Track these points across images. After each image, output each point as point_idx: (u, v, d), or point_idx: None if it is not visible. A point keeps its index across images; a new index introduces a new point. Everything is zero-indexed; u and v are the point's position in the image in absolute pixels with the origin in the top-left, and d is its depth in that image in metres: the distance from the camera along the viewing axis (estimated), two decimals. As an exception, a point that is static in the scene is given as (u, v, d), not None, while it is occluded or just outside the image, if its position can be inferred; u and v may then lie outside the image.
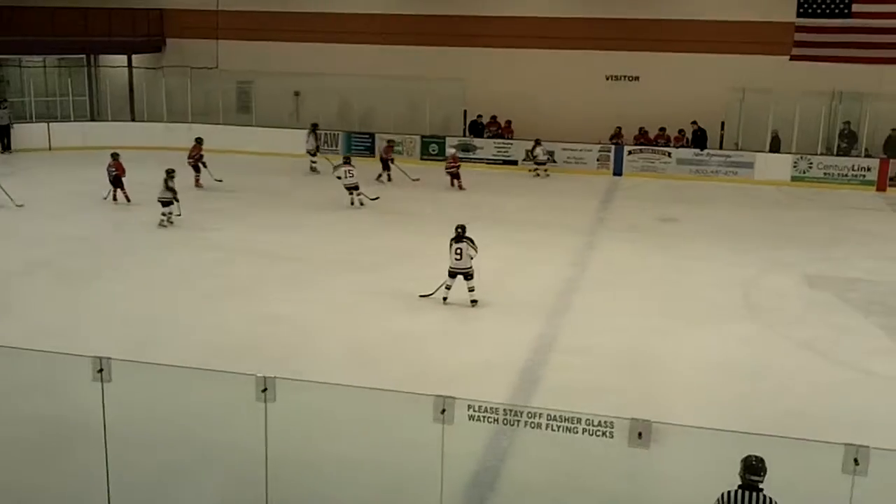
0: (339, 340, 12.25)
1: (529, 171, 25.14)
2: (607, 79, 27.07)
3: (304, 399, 7.71)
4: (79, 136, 26.81)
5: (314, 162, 24.80)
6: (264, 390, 7.03)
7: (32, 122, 27.57)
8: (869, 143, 24.46)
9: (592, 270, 16.20)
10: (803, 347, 12.38)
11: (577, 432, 6.68)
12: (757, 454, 6.32)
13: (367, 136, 27.00)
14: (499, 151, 26.15)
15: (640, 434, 6.44)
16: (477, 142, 26.30)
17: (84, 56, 29.83)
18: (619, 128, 25.88)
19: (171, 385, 8.03)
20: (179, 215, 18.45)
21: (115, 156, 20.58)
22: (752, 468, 6.28)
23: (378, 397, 7.47)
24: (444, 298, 13.70)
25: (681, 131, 25.42)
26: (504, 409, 7.05)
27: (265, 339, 12.14)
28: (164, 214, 18.23)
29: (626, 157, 25.28)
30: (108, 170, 20.43)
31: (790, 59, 22.85)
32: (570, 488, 7.99)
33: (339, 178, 20.68)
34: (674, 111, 25.26)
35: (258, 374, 7.07)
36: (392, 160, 23.71)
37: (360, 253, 16.68)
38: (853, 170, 23.80)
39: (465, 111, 27.18)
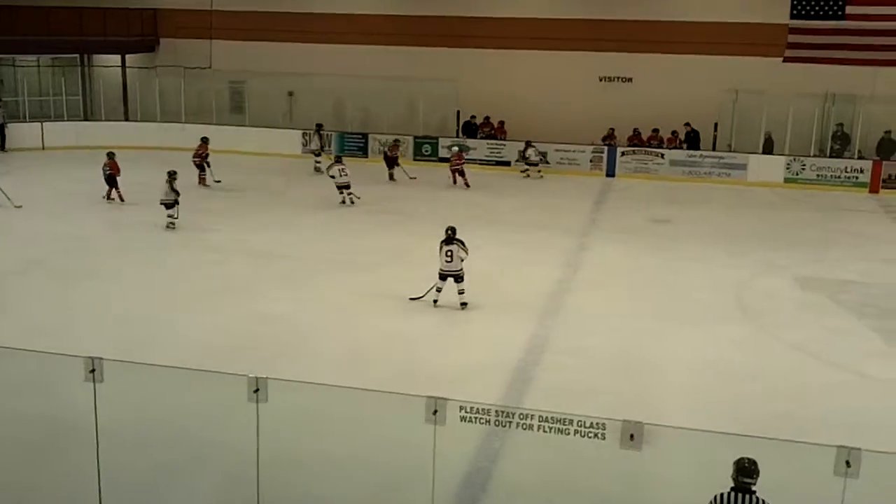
0: (333, 341, 12.24)
1: (521, 172, 25.16)
2: (600, 80, 27.11)
3: (297, 399, 7.69)
4: (72, 136, 26.76)
5: (318, 162, 24.76)
6: (256, 391, 7.02)
7: (26, 121, 27.53)
8: (862, 145, 24.50)
9: (585, 271, 16.21)
10: (796, 349, 12.37)
11: (569, 434, 6.66)
12: (749, 456, 6.32)
13: (360, 136, 27.00)
14: (492, 152, 26.15)
15: (632, 436, 6.43)
16: (470, 142, 26.28)
17: (78, 55, 29.80)
18: (613, 129, 25.88)
19: (162, 385, 8.00)
20: (177, 217, 18.41)
21: (110, 155, 20.58)
22: (745, 470, 6.28)
23: (370, 398, 7.45)
24: (435, 301, 13.64)
25: (674, 133, 25.48)
26: (496, 411, 7.04)
27: (259, 339, 12.12)
28: (169, 216, 18.11)
29: (619, 159, 25.33)
30: (102, 169, 20.42)
31: (783, 61, 22.94)
32: (562, 490, 7.97)
33: (332, 177, 20.83)
34: (667, 112, 25.30)
35: (250, 375, 7.07)
36: (397, 158, 23.85)
37: (355, 253, 16.69)
38: (846, 172, 23.84)
39: (459, 112, 27.21)
